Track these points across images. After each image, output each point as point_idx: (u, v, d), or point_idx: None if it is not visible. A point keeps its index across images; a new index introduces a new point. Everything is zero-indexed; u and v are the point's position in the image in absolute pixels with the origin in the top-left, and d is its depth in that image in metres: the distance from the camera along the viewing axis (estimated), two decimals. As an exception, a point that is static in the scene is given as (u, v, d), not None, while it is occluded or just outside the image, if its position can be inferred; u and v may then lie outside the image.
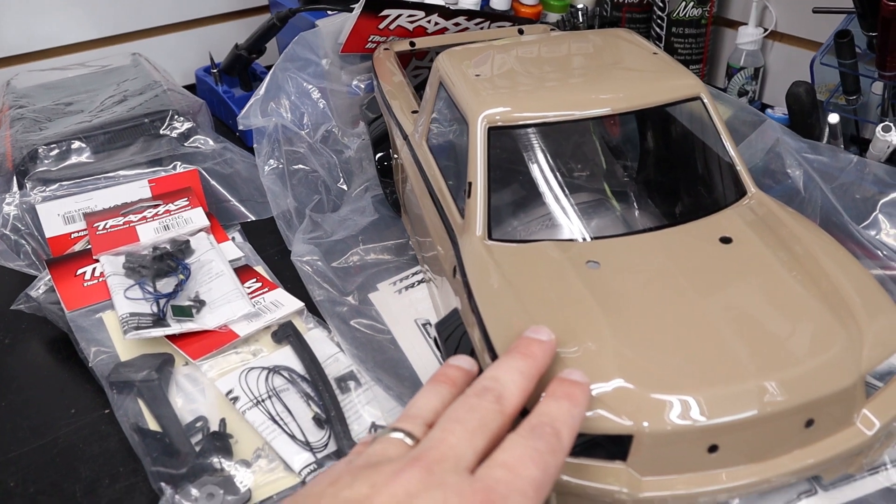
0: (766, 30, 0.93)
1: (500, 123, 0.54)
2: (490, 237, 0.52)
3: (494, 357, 0.44)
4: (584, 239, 0.52)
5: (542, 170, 0.57)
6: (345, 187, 0.81)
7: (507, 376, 0.39)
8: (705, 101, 0.57)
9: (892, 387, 0.46)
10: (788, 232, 0.52)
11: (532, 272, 0.49)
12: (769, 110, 0.91)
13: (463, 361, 0.43)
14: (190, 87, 1.05)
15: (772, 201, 0.55)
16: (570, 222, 0.54)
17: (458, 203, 0.56)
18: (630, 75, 0.58)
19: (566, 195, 0.56)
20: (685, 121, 0.61)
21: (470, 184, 0.54)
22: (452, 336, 0.50)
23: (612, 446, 0.42)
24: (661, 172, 0.63)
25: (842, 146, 0.71)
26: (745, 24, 0.94)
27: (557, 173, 0.57)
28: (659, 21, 0.97)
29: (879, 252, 0.59)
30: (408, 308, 0.66)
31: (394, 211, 0.76)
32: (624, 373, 0.42)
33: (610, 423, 0.40)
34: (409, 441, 0.37)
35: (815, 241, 0.51)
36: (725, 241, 0.51)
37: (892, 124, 0.63)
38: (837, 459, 0.44)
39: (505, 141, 0.55)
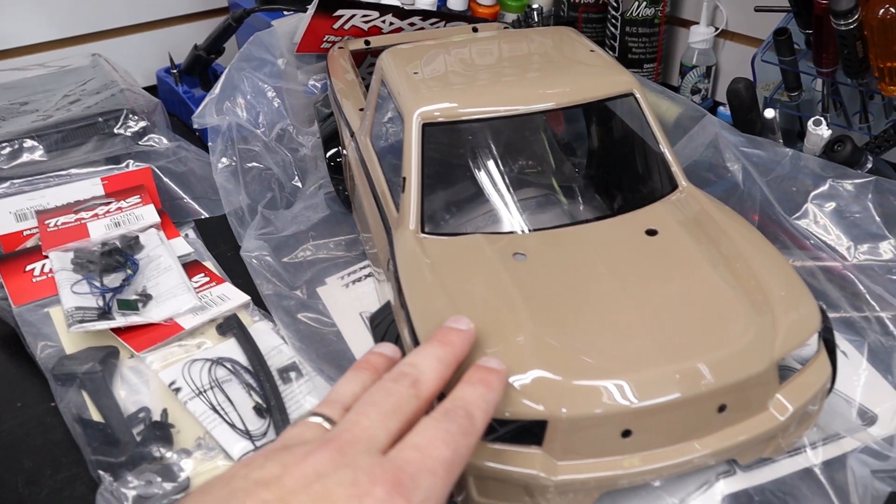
0: (717, 29, 0.95)
1: (434, 119, 0.55)
2: (423, 231, 0.54)
3: (418, 343, 0.45)
4: (515, 232, 0.53)
5: (478, 164, 0.58)
6: (299, 184, 0.82)
7: (425, 362, 0.40)
8: (638, 97, 0.59)
9: (805, 373, 0.48)
10: (714, 224, 0.53)
11: (460, 265, 0.50)
12: (721, 108, 0.93)
13: (386, 349, 0.44)
14: (152, 88, 1.06)
15: (701, 195, 0.57)
16: (503, 216, 0.56)
17: (396, 198, 0.57)
18: (564, 72, 0.60)
19: (501, 189, 0.57)
20: (626, 117, 0.62)
21: (404, 178, 0.55)
22: (381, 327, 0.51)
23: (533, 433, 0.43)
24: (602, 167, 0.64)
25: (780, 140, 0.72)
26: (697, 23, 0.95)
27: (494, 168, 0.58)
28: (613, 21, 0.99)
29: (808, 242, 0.61)
30: (354, 302, 0.67)
31: (345, 207, 0.78)
32: (540, 361, 0.43)
33: (524, 408, 0.42)
34: (326, 425, 0.38)
35: (739, 234, 0.53)
36: (651, 233, 0.52)
37: (822, 118, 0.65)
38: (750, 443, 0.45)
39: (441, 136, 0.56)
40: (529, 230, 0.54)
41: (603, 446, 0.43)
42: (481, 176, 0.58)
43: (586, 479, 0.43)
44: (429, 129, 0.55)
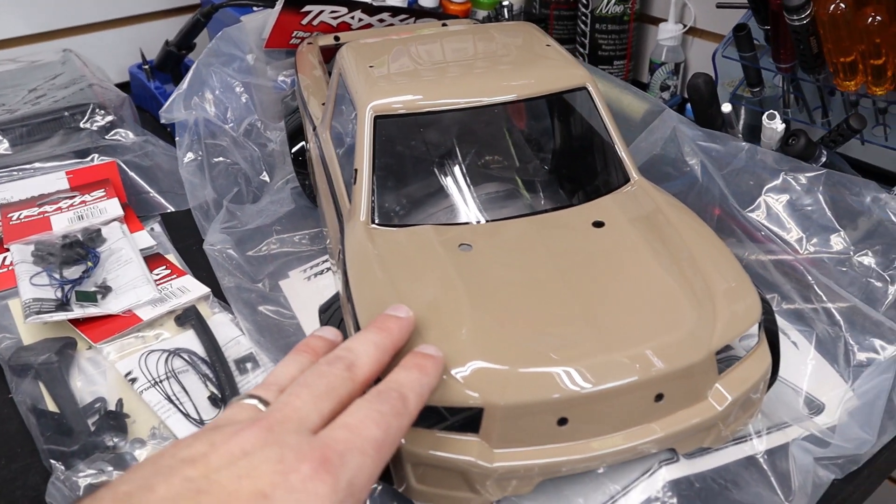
0: (685, 26, 0.96)
1: (386, 112, 0.56)
2: (374, 222, 0.54)
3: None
4: (465, 223, 0.54)
5: (431, 157, 0.59)
6: (267, 179, 0.83)
7: (361, 347, 0.41)
8: (591, 91, 0.59)
9: (746, 362, 0.49)
10: (662, 217, 0.54)
11: (407, 255, 0.51)
12: (689, 104, 0.94)
13: (327, 332, 0.44)
14: (125, 84, 1.06)
15: (652, 188, 0.58)
16: (455, 208, 0.56)
17: (349, 190, 0.58)
18: (519, 66, 0.60)
19: (455, 182, 0.58)
20: (582, 112, 0.63)
21: (356, 170, 0.55)
22: (331, 318, 0.52)
23: (475, 422, 0.44)
24: (556, 160, 0.65)
25: (739, 134, 0.73)
26: (666, 20, 0.96)
27: (447, 160, 0.59)
28: (584, 18, 0.99)
29: (760, 234, 0.61)
30: (315, 294, 0.67)
31: (311, 202, 0.78)
32: (479, 351, 0.43)
33: (459, 396, 0.42)
34: (261, 406, 0.38)
35: (686, 226, 0.53)
36: (598, 224, 0.53)
37: (776, 112, 0.65)
38: (688, 432, 0.46)
39: (394, 129, 0.57)
40: (480, 222, 0.54)
41: (539, 434, 0.43)
42: (434, 168, 0.58)
43: (522, 466, 0.43)
44: (381, 121, 0.56)
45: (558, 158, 0.64)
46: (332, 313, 0.52)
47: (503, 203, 0.59)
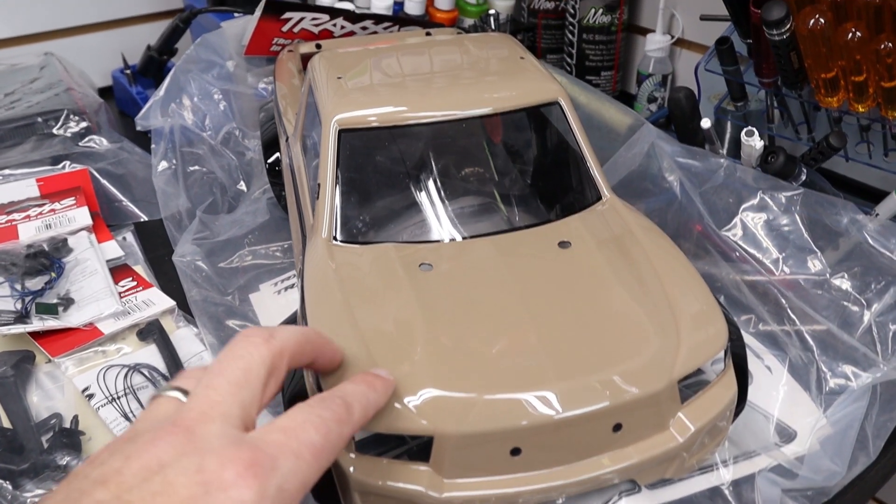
0: (673, 37, 0.95)
1: (351, 126, 0.55)
2: (336, 239, 0.53)
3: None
4: (428, 241, 0.53)
5: (399, 173, 0.58)
6: (244, 188, 0.81)
7: (283, 331, 0.38)
8: (563, 106, 0.58)
9: (710, 391, 0.47)
10: (631, 238, 0.53)
11: (366, 274, 0.49)
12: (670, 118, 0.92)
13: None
14: (108, 89, 1.05)
15: (623, 207, 0.56)
16: (420, 225, 0.55)
17: (314, 204, 0.56)
18: (491, 79, 0.59)
19: (420, 198, 0.56)
20: (557, 126, 0.61)
21: (319, 185, 0.54)
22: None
23: (423, 449, 0.43)
24: (526, 177, 0.63)
25: (720, 150, 0.72)
26: (654, 31, 0.95)
27: (416, 177, 0.58)
28: (571, 28, 0.98)
29: (735, 254, 0.60)
30: (283, 308, 0.66)
31: (286, 213, 0.77)
32: (430, 376, 0.42)
33: (409, 423, 0.41)
34: (182, 398, 0.35)
35: (655, 248, 0.52)
36: (564, 245, 0.52)
37: (754, 129, 0.64)
38: (648, 464, 0.45)
39: (359, 143, 0.56)
40: (445, 240, 0.53)
41: (491, 464, 0.42)
42: (400, 184, 0.57)
43: (473, 496, 0.42)
44: (346, 135, 0.55)
45: (529, 175, 0.62)
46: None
47: (470, 221, 0.58)
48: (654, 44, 0.94)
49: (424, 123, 0.55)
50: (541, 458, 0.43)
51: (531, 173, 0.63)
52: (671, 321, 0.46)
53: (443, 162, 0.59)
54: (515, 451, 0.42)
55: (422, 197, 0.57)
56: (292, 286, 0.69)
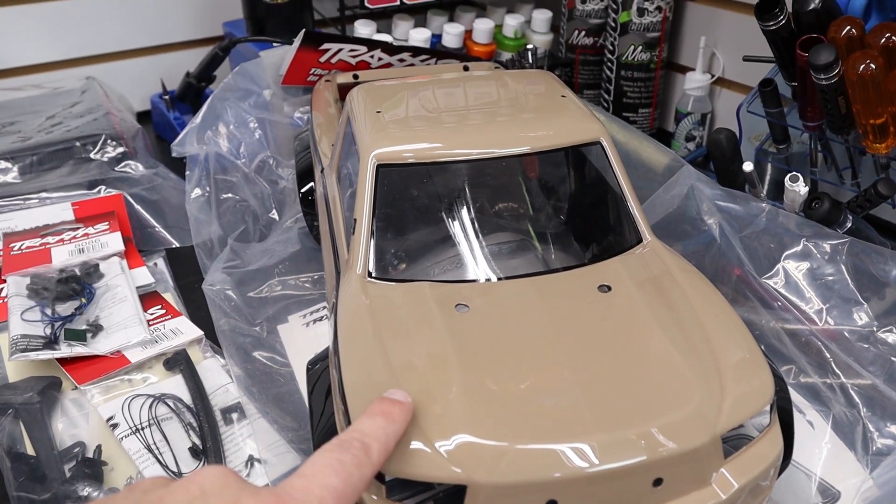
0: (713, 76, 0.94)
1: (390, 161, 0.54)
2: (371, 275, 0.52)
3: (345, 395, 0.43)
4: (465, 281, 0.52)
5: (437, 211, 0.57)
6: (276, 217, 0.81)
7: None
8: (605, 146, 0.57)
9: (755, 446, 0.45)
10: (673, 283, 0.51)
11: (401, 313, 0.48)
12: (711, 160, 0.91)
13: None
14: (147, 113, 1.06)
15: (665, 250, 0.55)
16: (457, 265, 0.54)
17: (349, 239, 0.56)
18: (532, 118, 0.58)
19: (458, 237, 0.55)
20: (591, 166, 0.60)
21: (356, 220, 0.53)
22: (315, 373, 0.50)
23: (458, 498, 0.41)
24: (566, 218, 0.62)
25: (762, 194, 0.70)
26: (694, 69, 0.94)
27: (454, 216, 0.57)
28: (609, 64, 0.97)
29: (776, 304, 0.58)
30: (312, 342, 0.66)
31: (317, 243, 0.76)
32: (466, 424, 0.41)
33: (442, 471, 0.39)
34: None
35: (698, 295, 0.50)
36: (604, 289, 0.50)
37: (799, 175, 0.62)
38: (689, 521, 0.43)
39: (397, 179, 0.55)
40: (480, 280, 0.52)
41: (526, 516, 0.41)
42: (437, 221, 0.56)
43: (505, 550, 0.40)
44: (383, 170, 0.54)
45: (569, 216, 0.61)
46: (320, 372, 0.50)
47: (508, 261, 0.57)
48: (694, 82, 0.93)
49: (464, 161, 0.55)
50: (577, 511, 0.41)
51: (569, 213, 0.61)
52: (714, 371, 0.45)
53: (479, 199, 0.58)
54: (551, 504, 0.40)
55: (458, 234, 0.56)
56: (321, 318, 0.68)
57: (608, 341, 0.46)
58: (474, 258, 0.54)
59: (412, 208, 0.56)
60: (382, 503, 0.41)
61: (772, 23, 0.65)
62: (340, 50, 0.85)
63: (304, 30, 0.80)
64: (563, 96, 0.61)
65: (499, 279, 0.52)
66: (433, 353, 0.45)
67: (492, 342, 0.46)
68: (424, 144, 0.55)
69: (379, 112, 0.59)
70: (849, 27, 0.61)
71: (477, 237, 0.56)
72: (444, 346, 0.45)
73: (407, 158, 0.54)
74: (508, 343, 0.46)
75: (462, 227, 0.56)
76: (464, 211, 0.57)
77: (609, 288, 0.50)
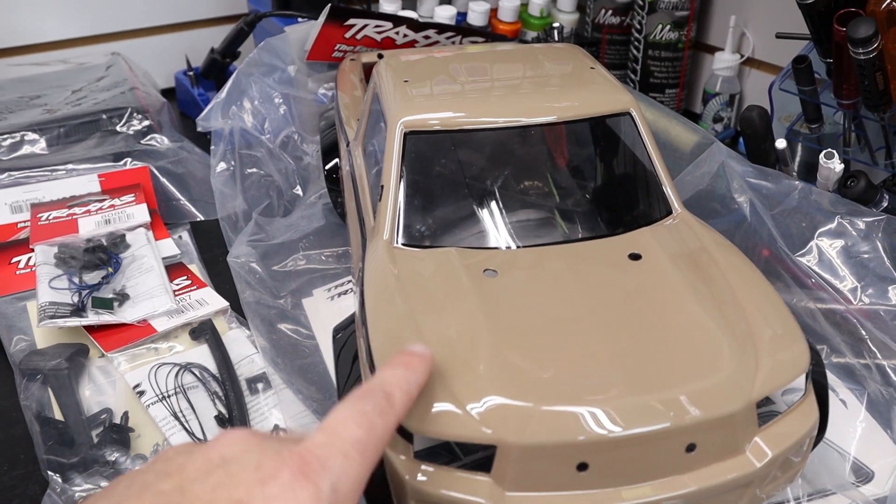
0: (742, 56, 0.92)
1: (417, 128, 0.53)
2: (398, 241, 0.52)
3: (373, 361, 0.43)
4: (492, 247, 0.51)
5: (465, 178, 0.56)
6: (300, 193, 0.81)
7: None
8: (635, 117, 0.56)
9: (790, 416, 0.44)
10: (705, 253, 0.50)
11: (428, 278, 0.48)
12: (742, 138, 0.90)
13: None
14: (171, 90, 1.06)
15: (696, 222, 0.54)
16: (484, 231, 0.54)
17: (376, 207, 0.55)
18: (561, 88, 0.58)
19: (486, 204, 0.55)
20: (624, 138, 0.60)
21: (382, 187, 0.53)
22: (341, 339, 0.49)
23: (489, 461, 0.41)
24: (593, 187, 0.62)
25: (794, 172, 0.69)
26: (722, 49, 0.92)
27: (481, 182, 0.56)
28: (636, 43, 0.96)
29: (810, 280, 0.57)
30: (336, 315, 0.65)
31: (341, 219, 0.76)
32: (495, 383, 0.40)
33: (472, 431, 0.39)
34: None
35: (730, 265, 0.49)
36: (634, 257, 0.50)
37: (834, 152, 0.61)
38: (722, 489, 0.42)
39: (425, 146, 0.55)
40: (508, 247, 0.51)
41: (556, 479, 0.40)
42: (465, 189, 0.56)
43: (535, 514, 0.40)
44: (411, 137, 0.53)
45: (597, 186, 0.61)
46: (346, 337, 0.49)
47: (536, 229, 0.56)
48: (723, 62, 0.92)
49: (492, 129, 0.54)
50: (609, 475, 0.40)
51: (598, 183, 0.61)
52: (748, 339, 0.44)
53: (507, 169, 0.58)
54: (582, 467, 0.40)
55: (485, 203, 0.55)
56: (346, 293, 0.68)
57: (639, 307, 0.46)
58: (501, 226, 0.54)
59: (439, 176, 0.56)
60: (410, 463, 0.41)
61: (808, -4, 0.64)
62: (366, 26, 0.84)
63: (329, 4, 0.80)
64: (592, 68, 0.61)
65: (526, 246, 0.51)
66: (462, 317, 0.45)
67: (521, 306, 0.46)
68: (452, 112, 0.54)
69: (406, 81, 0.58)
70: (888, 0, 0.60)
71: (504, 205, 0.56)
72: (473, 310, 0.45)
73: (434, 126, 0.54)
74: (537, 307, 0.46)
75: (489, 196, 0.56)
76: (492, 181, 0.57)
77: (639, 256, 0.50)
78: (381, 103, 0.58)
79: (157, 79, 1.05)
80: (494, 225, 0.54)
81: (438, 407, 0.40)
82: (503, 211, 0.55)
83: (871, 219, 0.58)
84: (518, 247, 0.51)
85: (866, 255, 0.57)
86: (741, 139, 0.90)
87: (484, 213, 0.54)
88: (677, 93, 0.98)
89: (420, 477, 0.40)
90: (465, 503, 0.40)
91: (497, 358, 0.42)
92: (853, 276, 0.57)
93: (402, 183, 0.53)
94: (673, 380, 0.41)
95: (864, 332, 0.55)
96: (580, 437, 0.39)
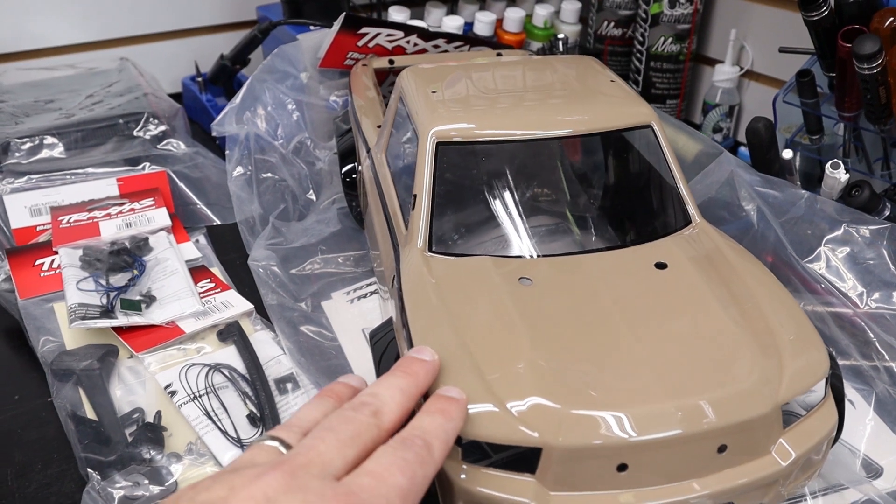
0: (742, 69, 0.95)
1: (449, 139, 0.55)
2: (431, 250, 0.53)
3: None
4: (524, 256, 0.53)
5: (490, 187, 0.58)
6: (313, 198, 0.82)
7: (387, 393, 0.40)
8: (656, 129, 0.58)
9: (811, 418, 0.47)
10: (725, 262, 0.53)
11: (466, 286, 0.50)
12: (742, 148, 0.93)
13: (352, 379, 0.44)
14: (177, 95, 1.07)
15: (715, 232, 0.56)
16: (512, 239, 0.55)
17: (406, 215, 0.57)
18: (583, 100, 0.60)
19: (512, 213, 0.57)
20: (642, 149, 0.62)
21: (415, 196, 0.55)
22: (381, 343, 0.51)
23: (527, 461, 0.42)
24: (612, 196, 0.64)
25: (798, 182, 0.72)
26: (723, 62, 0.95)
27: (506, 191, 0.58)
28: (638, 55, 0.99)
29: (819, 286, 0.60)
30: (357, 318, 0.67)
31: (357, 224, 0.77)
32: (539, 388, 0.42)
33: (519, 434, 0.41)
34: (282, 449, 0.37)
35: (749, 273, 0.52)
36: (660, 266, 0.52)
37: (840, 162, 0.64)
38: (750, 487, 0.44)
39: (455, 157, 0.56)
40: (538, 256, 0.53)
41: (597, 479, 0.42)
42: (493, 199, 0.57)
43: (577, 511, 0.42)
44: (443, 148, 0.55)
45: (621, 196, 0.63)
46: (387, 341, 0.51)
47: (563, 238, 0.58)
48: (723, 74, 0.94)
49: (520, 141, 0.56)
50: (646, 475, 0.42)
51: (620, 194, 0.63)
52: (773, 345, 0.46)
53: (531, 179, 0.59)
54: (622, 468, 0.42)
55: (510, 212, 0.57)
56: (365, 296, 0.70)
57: (669, 315, 0.48)
58: (531, 235, 0.56)
59: (469, 186, 0.58)
60: (459, 465, 0.42)
61: (815, 13, 0.66)
62: (378, 34, 0.86)
63: (344, 13, 0.81)
64: (611, 81, 0.63)
65: (556, 255, 0.53)
66: (501, 323, 0.46)
67: (557, 313, 0.47)
68: (483, 124, 0.56)
69: (434, 92, 0.60)
70: (892, 18, 0.63)
71: (532, 215, 0.57)
72: (512, 316, 0.47)
73: (465, 137, 0.55)
74: (574, 314, 0.47)
75: (517, 205, 0.57)
76: (520, 190, 0.58)
77: (665, 265, 0.52)
78: (410, 114, 0.59)
79: (162, 84, 1.06)
80: (524, 234, 0.55)
81: (485, 411, 0.41)
82: (531, 221, 0.57)
83: (875, 227, 0.61)
84: (547, 256, 0.53)
85: (872, 262, 0.60)
86: (739, 149, 0.93)
87: (513, 223, 0.56)
88: (678, 103, 1.00)
89: (468, 478, 0.42)
90: (511, 503, 0.41)
91: (538, 361, 0.44)
92: (860, 282, 0.60)
93: (434, 193, 0.54)
94: (706, 384, 0.43)
95: (871, 335, 0.57)
96: (622, 440, 0.41)
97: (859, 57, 0.62)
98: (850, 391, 0.58)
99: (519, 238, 0.55)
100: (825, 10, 0.66)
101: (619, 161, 0.63)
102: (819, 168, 0.80)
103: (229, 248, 0.77)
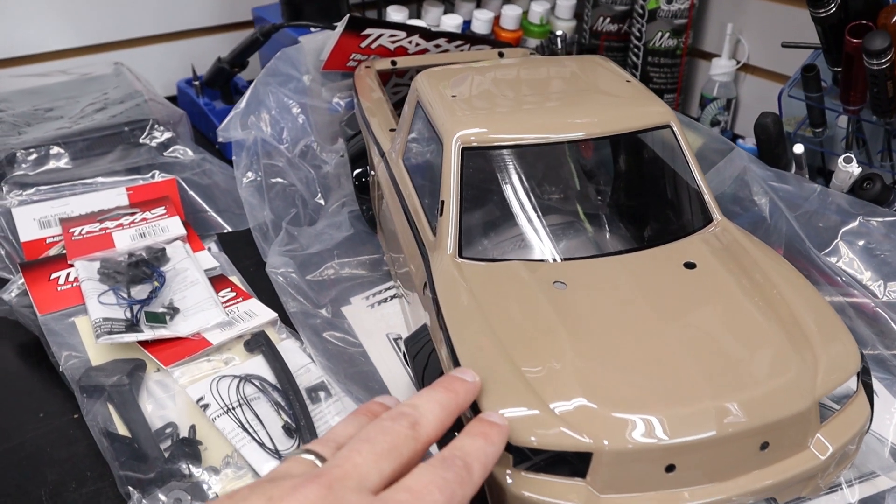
0: (738, 62, 0.96)
1: (474, 144, 0.55)
2: (461, 255, 0.53)
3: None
4: (554, 260, 0.53)
5: (515, 191, 0.58)
6: (322, 202, 0.82)
7: (426, 406, 0.40)
8: (675, 129, 0.59)
9: (845, 412, 0.48)
10: (750, 259, 0.54)
11: (500, 291, 0.50)
12: (740, 140, 0.94)
13: (388, 399, 0.44)
14: (171, 99, 1.05)
15: (736, 229, 0.57)
16: (540, 243, 0.56)
17: (431, 221, 0.57)
18: (604, 101, 0.60)
19: (539, 216, 0.57)
20: (657, 148, 0.62)
21: (443, 202, 0.55)
22: (421, 352, 0.51)
23: (574, 464, 0.43)
24: (633, 197, 0.64)
25: (807, 176, 0.73)
26: (719, 56, 0.96)
27: (531, 195, 0.58)
28: (635, 50, 0.99)
29: (839, 278, 0.61)
30: (379, 322, 0.67)
31: (369, 227, 0.77)
32: (585, 391, 0.43)
33: (570, 440, 0.41)
34: (318, 462, 0.37)
35: (775, 269, 0.53)
36: (689, 266, 0.53)
37: (853, 156, 0.65)
38: (792, 482, 0.45)
39: (480, 161, 0.57)
40: (564, 259, 0.54)
41: (646, 481, 0.43)
42: (518, 203, 0.58)
43: (630, 513, 0.42)
44: (468, 153, 0.55)
45: (645, 196, 0.63)
46: (420, 346, 0.51)
47: (586, 240, 0.59)
48: (720, 68, 0.95)
49: (543, 144, 0.56)
50: (694, 475, 0.43)
51: (644, 194, 0.63)
52: (805, 341, 0.47)
53: (557, 181, 0.60)
54: (670, 468, 0.42)
55: (538, 216, 0.57)
56: (385, 300, 0.70)
57: (703, 314, 0.49)
58: (556, 239, 0.56)
59: (496, 191, 0.58)
60: (510, 471, 0.43)
61: (822, 10, 0.67)
62: (381, 35, 0.86)
63: (348, 14, 0.81)
64: (627, 81, 0.63)
65: (585, 258, 0.54)
66: (540, 326, 0.47)
67: (595, 315, 0.48)
68: (506, 128, 0.56)
69: (454, 97, 0.60)
70: (899, 14, 0.64)
71: (555, 217, 0.58)
72: (551, 320, 0.47)
73: (491, 141, 0.56)
74: (611, 316, 0.48)
75: (541, 208, 0.58)
76: (544, 193, 0.59)
77: (694, 265, 0.53)
78: (431, 119, 0.59)
79: (156, 88, 1.04)
80: (550, 238, 0.56)
81: (535, 418, 0.42)
82: (555, 223, 0.57)
83: (889, 218, 0.62)
84: (578, 258, 0.54)
85: (888, 253, 0.61)
86: (738, 141, 0.94)
87: (538, 226, 0.56)
88: (675, 98, 1.01)
89: (519, 483, 0.42)
90: (563, 508, 0.42)
91: (580, 363, 0.44)
92: (877, 273, 0.61)
93: (461, 198, 0.54)
94: (747, 382, 0.44)
95: (892, 325, 0.59)
96: (670, 441, 0.42)
97: (869, 53, 0.64)
98: (874, 381, 0.60)
99: (544, 241, 0.56)
100: (833, 7, 0.67)
101: (639, 161, 0.64)
102: (821, 160, 0.82)
103: (242, 255, 0.76)
